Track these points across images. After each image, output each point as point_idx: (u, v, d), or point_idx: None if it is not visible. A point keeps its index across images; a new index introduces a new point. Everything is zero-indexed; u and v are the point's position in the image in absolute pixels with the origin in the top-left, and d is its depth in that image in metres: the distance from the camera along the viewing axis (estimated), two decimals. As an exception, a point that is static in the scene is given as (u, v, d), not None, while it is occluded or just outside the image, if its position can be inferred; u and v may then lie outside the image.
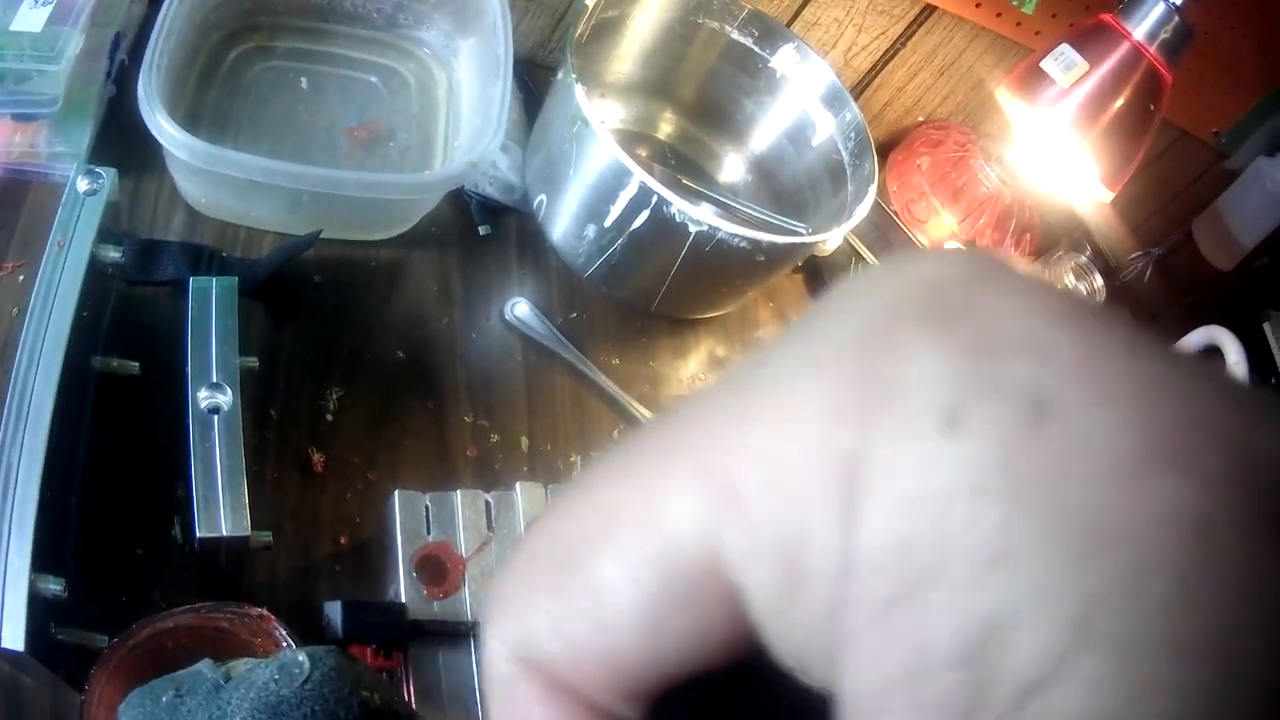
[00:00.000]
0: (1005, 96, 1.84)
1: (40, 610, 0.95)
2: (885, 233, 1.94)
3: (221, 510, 1.06)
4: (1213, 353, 2.12)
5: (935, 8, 1.92)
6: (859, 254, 1.88)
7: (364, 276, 1.52)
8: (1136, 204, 2.36)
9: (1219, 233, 2.43)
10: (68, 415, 1.08)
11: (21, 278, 1.35)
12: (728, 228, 1.41)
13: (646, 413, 1.54)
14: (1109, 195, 1.80)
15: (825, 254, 1.56)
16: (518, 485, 1.27)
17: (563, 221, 1.58)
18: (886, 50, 2.00)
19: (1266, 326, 2.54)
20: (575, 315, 1.61)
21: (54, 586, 0.99)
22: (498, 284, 1.60)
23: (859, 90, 2.07)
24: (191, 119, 1.48)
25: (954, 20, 1.95)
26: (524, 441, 1.45)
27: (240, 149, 1.24)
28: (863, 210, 1.55)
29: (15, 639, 0.91)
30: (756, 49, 1.75)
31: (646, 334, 1.65)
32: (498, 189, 1.63)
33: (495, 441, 1.44)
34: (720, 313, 1.72)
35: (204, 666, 0.77)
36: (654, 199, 1.40)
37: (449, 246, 1.60)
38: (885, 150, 2.14)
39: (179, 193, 1.50)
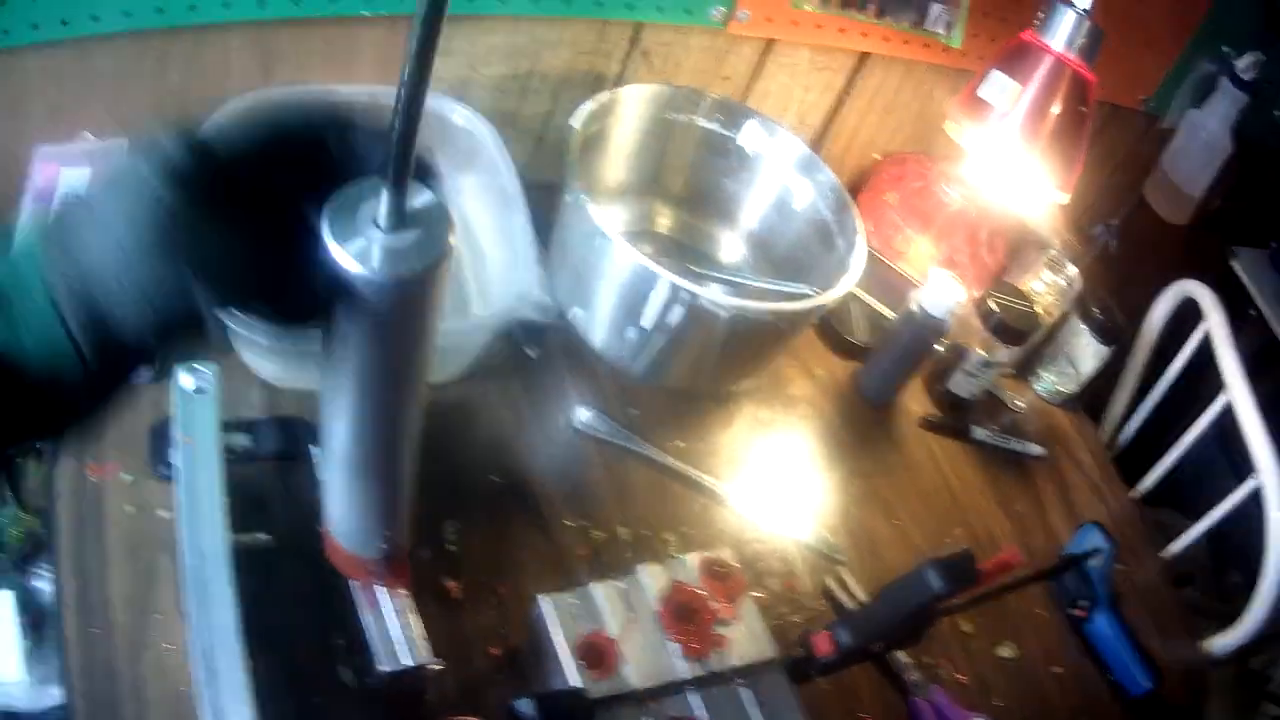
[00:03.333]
0: (953, 128, 2.12)
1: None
2: (874, 271, 2.20)
3: (401, 646, 1.31)
4: (1189, 305, 2.41)
5: (869, 53, 2.21)
6: (856, 297, 2.17)
7: (438, 419, 1.75)
8: (1086, 181, 2.63)
9: (1168, 190, 2.74)
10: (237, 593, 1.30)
11: (125, 475, 1.58)
12: (757, 306, 1.67)
13: (718, 484, 1.80)
14: (1065, 197, 2.07)
15: (834, 305, 1.82)
16: (640, 569, 1.52)
17: (601, 329, 1.84)
18: (834, 102, 2.31)
19: (1235, 264, 2.86)
20: (634, 411, 1.87)
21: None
22: (558, 397, 1.86)
23: (817, 143, 2.38)
24: None
25: (887, 60, 2.25)
26: (623, 531, 1.71)
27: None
28: (859, 263, 1.82)
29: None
30: (724, 131, 2.04)
31: (698, 413, 1.93)
32: (532, 310, 1.86)
33: (599, 537, 1.69)
34: (757, 379, 1.99)
35: None
36: (686, 295, 1.65)
37: (507, 375, 1.86)
38: (852, 192, 2.40)
39: (251, 371, 1.73)
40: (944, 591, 1.33)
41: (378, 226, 0.83)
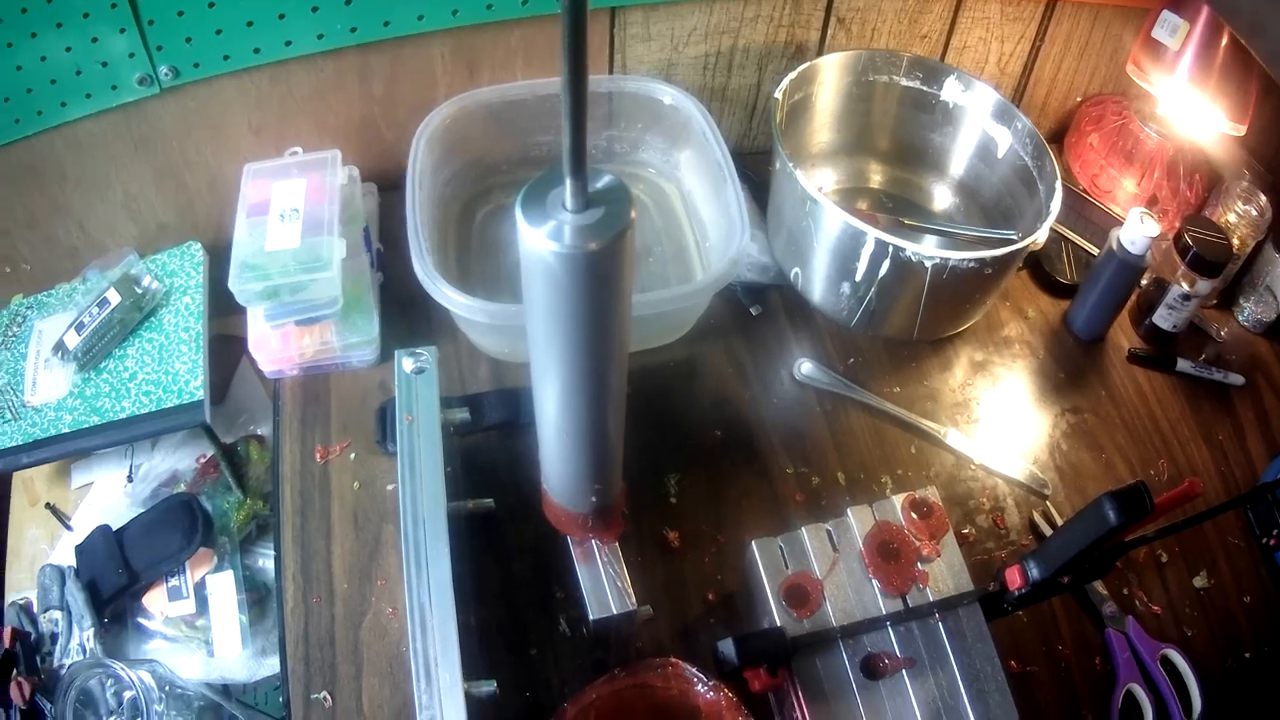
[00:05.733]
0: (1134, 71, 2.14)
1: (478, 712, 1.28)
2: (1081, 211, 2.27)
3: (610, 595, 1.40)
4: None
5: (1056, 1, 2.24)
6: (1064, 237, 2.21)
7: (668, 377, 1.89)
8: None
9: None
10: (454, 554, 1.38)
11: (353, 455, 1.74)
12: (955, 255, 1.71)
13: (935, 426, 1.88)
14: (1240, 129, 2.09)
15: (1038, 247, 1.87)
16: (849, 510, 1.59)
17: (819, 285, 1.91)
18: (1030, 50, 2.33)
19: None
20: (852, 360, 1.95)
21: (487, 688, 1.33)
22: (780, 352, 1.95)
23: (1020, 91, 2.42)
24: (464, 282, 1.78)
25: (1075, 6, 2.26)
26: (840, 476, 1.80)
27: (517, 298, 1.35)
28: (1055, 205, 1.84)
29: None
30: (926, 88, 2.08)
31: (915, 359, 1.99)
32: (755, 272, 1.98)
33: (816, 483, 1.79)
34: (970, 323, 2.04)
35: None
36: (891, 249, 1.72)
37: (730, 332, 1.96)
38: (1059, 136, 2.48)
39: (476, 348, 1.85)
40: (1118, 523, 1.34)
41: (566, 209, 0.92)
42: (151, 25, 1.72)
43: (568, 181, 0.90)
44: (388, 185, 2.04)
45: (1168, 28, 2.05)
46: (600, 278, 0.96)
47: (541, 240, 0.91)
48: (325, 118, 1.97)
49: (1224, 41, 2.01)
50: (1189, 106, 2.10)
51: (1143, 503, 1.35)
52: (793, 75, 1.95)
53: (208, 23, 1.75)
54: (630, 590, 1.40)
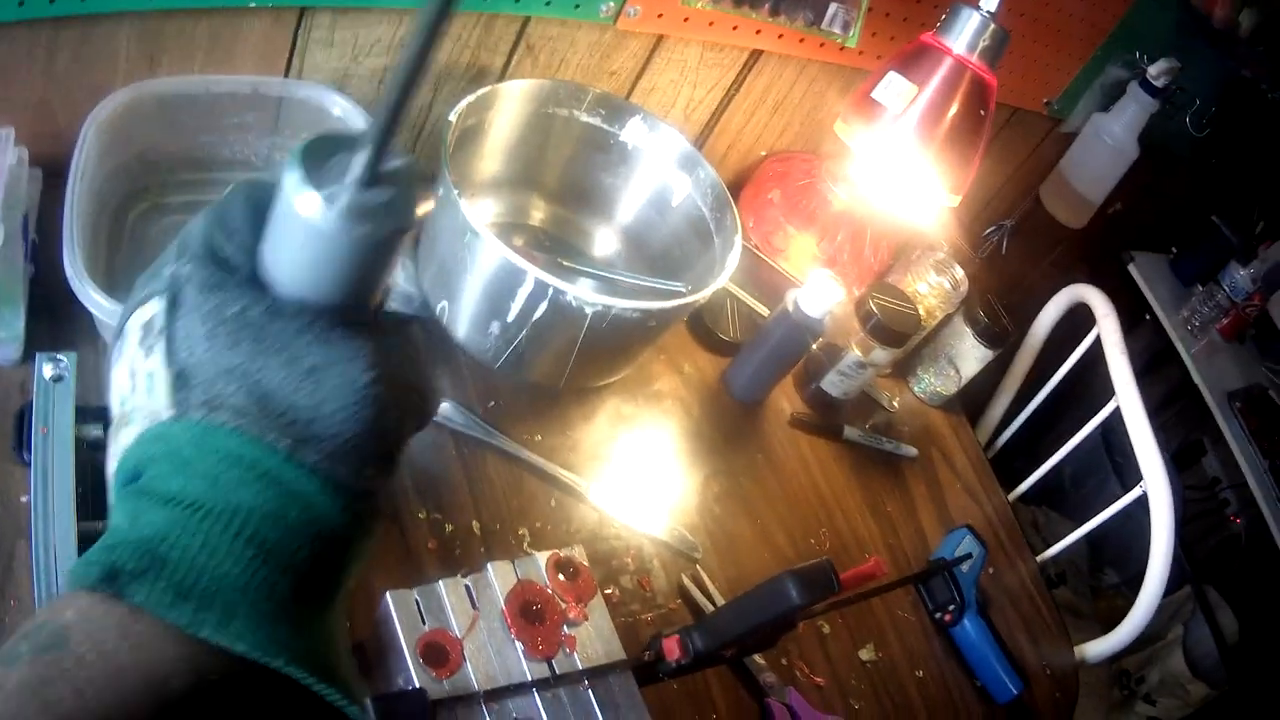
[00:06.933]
0: (843, 130, 2.07)
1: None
2: (751, 268, 2.21)
3: None
4: (1081, 309, 2.42)
5: (762, 51, 2.18)
6: (730, 294, 2.15)
7: None
8: (982, 183, 2.65)
9: (1066, 194, 2.73)
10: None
11: None
12: (620, 304, 1.63)
13: (576, 479, 1.78)
14: (955, 200, 2.05)
15: (706, 300, 1.81)
16: (489, 566, 1.49)
17: (466, 322, 1.81)
18: (722, 99, 2.27)
19: (1131, 268, 2.88)
20: (493, 404, 1.84)
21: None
22: None
23: (701, 140, 2.35)
24: (109, 284, 1.61)
25: (781, 59, 2.22)
26: (475, 525, 1.68)
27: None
28: (733, 261, 1.78)
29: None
30: (606, 126, 2.00)
31: (558, 407, 1.89)
32: (398, 301, 1.84)
33: (450, 531, 1.67)
34: (622, 375, 1.96)
35: None
36: (550, 291, 1.62)
37: None
38: (735, 189, 2.40)
39: None
40: (802, 603, 1.33)
41: (348, 182, 0.68)
42: None
43: (365, 151, 0.68)
44: (55, 172, 1.87)
45: (893, 90, 1.99)
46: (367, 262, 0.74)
47: (309, 204, 0.68)
48: (7, 91, 1.80)
49: (953, 110, 1.97)
50: (902, 172, 2.03)
51: (829, 582, 1.34)
52: (471, 99, 1.84)
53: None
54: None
